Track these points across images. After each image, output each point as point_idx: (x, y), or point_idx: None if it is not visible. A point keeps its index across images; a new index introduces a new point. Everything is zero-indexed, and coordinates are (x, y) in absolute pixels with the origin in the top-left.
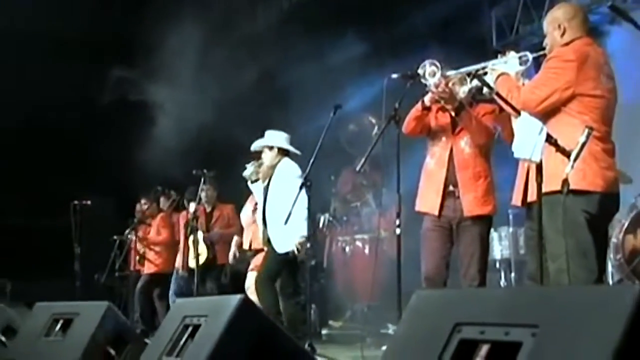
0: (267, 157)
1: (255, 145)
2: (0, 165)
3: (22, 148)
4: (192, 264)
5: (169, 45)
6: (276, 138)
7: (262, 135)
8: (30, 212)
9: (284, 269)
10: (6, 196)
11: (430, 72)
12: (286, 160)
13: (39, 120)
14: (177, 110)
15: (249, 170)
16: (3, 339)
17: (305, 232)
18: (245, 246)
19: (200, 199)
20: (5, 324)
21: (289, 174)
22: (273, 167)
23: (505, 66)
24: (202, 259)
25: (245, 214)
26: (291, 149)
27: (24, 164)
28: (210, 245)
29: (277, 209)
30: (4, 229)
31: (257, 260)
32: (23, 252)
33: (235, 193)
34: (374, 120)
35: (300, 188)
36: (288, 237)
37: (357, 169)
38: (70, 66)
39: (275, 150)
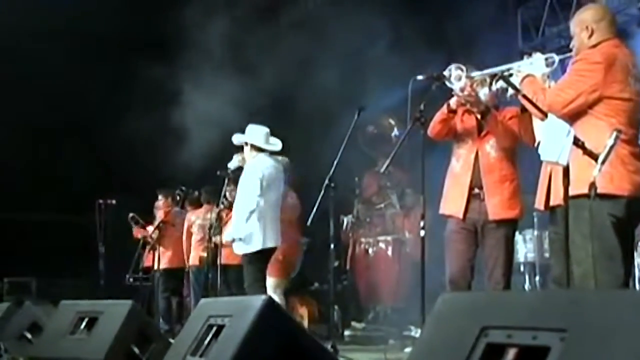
0: (245, 153)
1: (235, 140)
2: (26, 163)
3: (49, 145)
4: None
5: (195, 45)
6: (251, 134)
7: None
8: (56, 211)
9: (248, 265)
10: (33, 195)
11: (456, 76)
12: (257, 157)
13: (67, 118)
14: (203, 109)
15: (234, 161)
16: (29, 336)
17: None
18: None
19: (225, 199)
20: (31, 321)
21: (251, 173)
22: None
23: (531, 68)
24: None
25: None
26: (265, 146)
27: (49, 162)
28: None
29: (237, 207)
30: (30, 227)
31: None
32: (48, 251)
33: None
34: (392, 122)
35: (325, 189)
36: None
37: (382, 170)
38: (99, 64)
39: (249, 146)
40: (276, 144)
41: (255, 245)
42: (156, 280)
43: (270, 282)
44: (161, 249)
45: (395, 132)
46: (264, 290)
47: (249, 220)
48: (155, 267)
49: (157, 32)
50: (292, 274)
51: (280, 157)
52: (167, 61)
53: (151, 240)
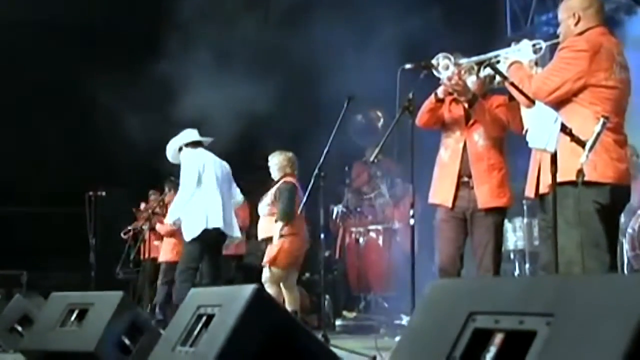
0: (182, 159)
1: (170, 155)
2: (15, 156)
3: (38, 137)
4: None
5: (187, 38)
6: (182, 136)
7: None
8: (46, 203)
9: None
10: (22, 188)
11: (444, 65)
12: (195, 150)
13: (57, 111)
14: (194, 102)
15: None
16: (19, 328)
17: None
18: (259, 236)
19: None
20: (21, 313)
21: (189, 163)
22: None
23: (518, 55)
24: None
25: (262, 204)
26: (200, 138)
27: (39, 154)
28: None
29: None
30: (20, 220)
31: (269, 252)
32: (39, 243)
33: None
34: (380, 114)
35: (315, 179)
36: (187, 226)
37: (371, 159)
38: (90, 56)
39: (183, 148)
40: (209, 138)
41: (198, 229)
42: (147, 270)
43: (276, 272)
44: (166, 240)
45: (382, 122)
46: (193, 277)
47: (191, 206)
48: (147, 257)
49: (148, 22)
50: (296, 267)
51: (289, 153)
52: (160, 54)
53: (142, 231)
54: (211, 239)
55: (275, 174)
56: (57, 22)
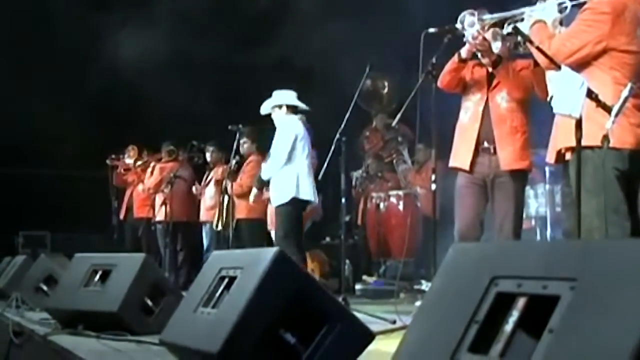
0: (277, 116)
1: (264, 109)
2: (40, 120)
3: (62, 102)
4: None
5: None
6: (283, 96)
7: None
8: (70, 166)
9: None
10: (48, 150)
11: (470, 22)
12: (292, 118)
13: (79, 75)
14: (211, 64)
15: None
16: (45, 288)
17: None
18: None
19: (237, 154)
20: (47, 273)
21: (287, 130)
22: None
23: (543, 13)
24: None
25: None
26: (299, 104)
27: (62, 118)
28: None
29: (271, 157)
30: (45, 182)
31: None
32: (63, 206)
33: None
34: (386, 82)
35: (335, 144)
36: (277, 190)
37: (393, 124)
38: (105, 18)
39: (284, 108)
40: (304, 105)
41: (288, 195)
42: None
43: None
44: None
45: (387, 90)
46: (295, 243)
47: (282, 172)
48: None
49: None
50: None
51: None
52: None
53: (164, 195)
54: (298, 208)
55: None
56: None
